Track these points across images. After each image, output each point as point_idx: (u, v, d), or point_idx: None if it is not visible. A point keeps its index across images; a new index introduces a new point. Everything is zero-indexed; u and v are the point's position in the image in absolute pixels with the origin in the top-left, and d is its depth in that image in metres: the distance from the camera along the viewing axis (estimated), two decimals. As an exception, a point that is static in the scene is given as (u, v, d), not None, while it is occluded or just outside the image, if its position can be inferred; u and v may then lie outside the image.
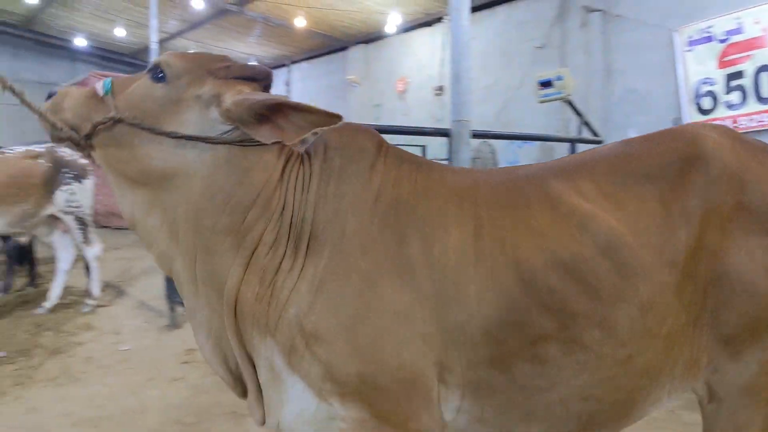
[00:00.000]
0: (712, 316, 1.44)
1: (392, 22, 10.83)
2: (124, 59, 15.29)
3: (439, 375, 1.40)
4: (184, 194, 1.44)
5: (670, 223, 1.42)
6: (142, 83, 1.50)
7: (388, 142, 1.58)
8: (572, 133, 7.01)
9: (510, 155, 9.32)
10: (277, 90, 13.60)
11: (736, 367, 1.46)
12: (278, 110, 1.34)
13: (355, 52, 12.40)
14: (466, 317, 1.36)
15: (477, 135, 4.06)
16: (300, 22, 11.07)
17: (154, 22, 9.81)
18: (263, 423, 1.51)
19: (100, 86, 1.51)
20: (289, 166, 1.48)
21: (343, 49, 12.73)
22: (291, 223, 1.45)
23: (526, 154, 9.07)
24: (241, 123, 1.38)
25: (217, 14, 11.53)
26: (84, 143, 1.50)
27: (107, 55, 15.03)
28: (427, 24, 10.90)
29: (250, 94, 1.37)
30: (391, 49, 11.69)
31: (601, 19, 8.19)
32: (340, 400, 1.38)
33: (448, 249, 1.39)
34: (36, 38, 13.87)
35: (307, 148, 1.53)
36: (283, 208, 1.45)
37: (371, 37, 11.95)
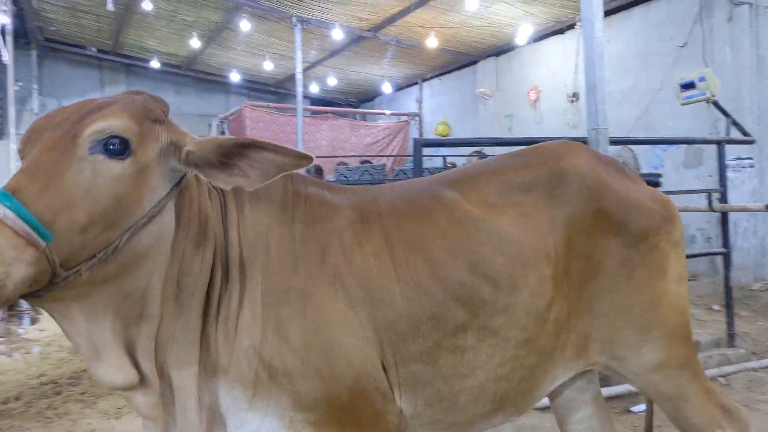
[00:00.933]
0: (590, 307, 1.70)
1: (523, 34, 10.83)
2: (269, 89, 16.66)
3: None
4: (159, 259, 1.28)
5: (541, 227, 1.66)
6: (87, 176, 1.16)
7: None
8: (721, 134, 6.63)
9: (653, 159, 8.93)
10: (410, 107, 13.97)
11: (635, 351, 1.72)
12: (245, 152, 1.28)
13: (486, 65, 12.54)
14: (395, 316, 1.47)
15: (615, 142, 4.06)
16: (431, 42, 11.43)
17: (298, 54, 10.71)
18: None
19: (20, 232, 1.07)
20: (204, 195, 1.42)
21: (473, 63, 12.92)
22: (215, 250, 1.39)
23: (671, 158, 8.65)
24: (203, 165, 1.29)
25: (353, 41, 12.25)
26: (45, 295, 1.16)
27: (256, 87, 16.47)
28: (559, 32, 10.78)
29: (209, 138, 1.29)
30: (521, 59, 11.69)
31: (750, 12, 7.66)
32: (313, 430, 1.38)
33: (368, 256, 1.50)
34: (196, 76, 15.57)
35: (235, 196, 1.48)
36: (221, 243, 1.41)
37: (502, 49, 12.03)
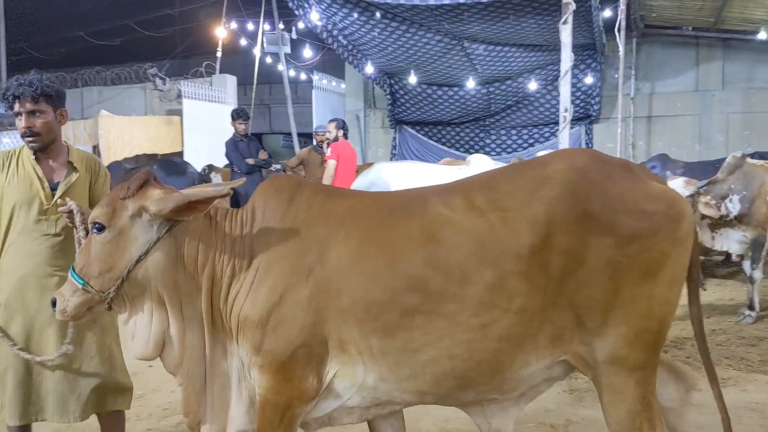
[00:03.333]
0: (569, 301, 1.91)
1: None
2: None
3: (341, 347, 1.98)
4: (162, 278, 2.08)
5: (518, 228, 1.90)
6: (90, 246, 2.09)
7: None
8: None
9: None
10: None
11: (600, 341, 1.92)
12: (190, 205, 1.99)
13: None
14: (353, 301, 1.95)
15: None
16: None
17: None
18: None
19: (73, 282, 2.09)
20: (221, 218, 2.15)
21: None
22: (234, 253, 2.08)
23: None
24: (167, 215, 2.00)
25: None
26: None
27: None
28: None
29: (166, 197, 2.02)
30: None
31: None
32: (258, 371, 2.01)
33: (340, 256, 1.99)
34: None
35: (252, 201, 2.18)
36: (226, 245, 2.09)
37: None
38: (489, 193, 2.00)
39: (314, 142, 8.13)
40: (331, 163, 7.08)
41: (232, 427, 2.11)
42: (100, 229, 2.04)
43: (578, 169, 1.95)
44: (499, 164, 6.25)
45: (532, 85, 12.21)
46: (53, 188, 2.61)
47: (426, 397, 2.05)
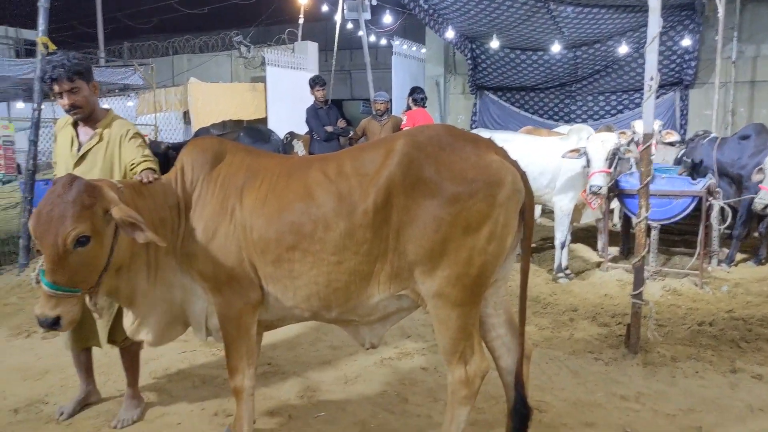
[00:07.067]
0: (405, 248, 2.42)
1: None
2: None
3: (257, 272, 2.63)
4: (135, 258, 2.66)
5: (368, 189, 2.44)
6: (81, 258, 2.35)
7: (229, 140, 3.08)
8: None
9: None
10: None
11: (429, 280, 2.42)
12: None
13: None
14: (258, 237, 2.57)
15: None
16: None
17: None
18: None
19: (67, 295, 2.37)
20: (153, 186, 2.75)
21: None
22: (179, 207, 2.72)
23: None
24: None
25: None
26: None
27: None
28: None
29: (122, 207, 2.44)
30: None
31: None
32: (212, 292, 2.68)
33: (254, 200, 2.61)
34: None
35: (176, 162, 2.83)
36: (164, 203, 2.70)
37: None
38: (355, 162, 2.54)
39: (372, 111, 8.15)
40: (406, 132, 7.10)
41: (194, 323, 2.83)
42: (84, 242, 2.32)
43: (417, 143, 2.46)
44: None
45: (623, 49, 11.53)
46: (80, 149, 3.14)
47: (305, 313, 2.68)
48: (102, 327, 3.18)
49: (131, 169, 3.01)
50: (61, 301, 2.33)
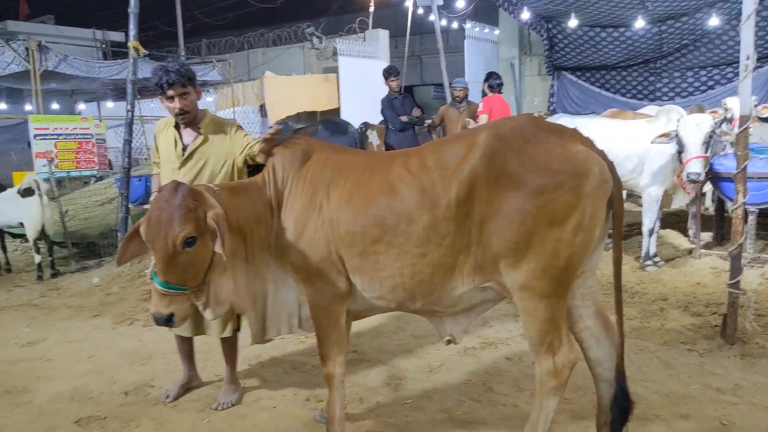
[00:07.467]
0: (489, 241, 2.44)
1: None
2: None
3: (344, 264, 2.70)
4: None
5: (450, 183, 2.47)
6: (189, 257, 2.50)
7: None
8: None
9: None
10: None
11: (515, 273, 2.42)
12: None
13: None
14: (345, 230, 2.64)
15: None
16: None
17: None
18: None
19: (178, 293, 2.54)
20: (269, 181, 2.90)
21: None
22: (272, 205, 2.84)
23: None
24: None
25: None
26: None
27: None
28: None
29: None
30: None
31: None
32: (303, 284, 2.81)
33: (339, 196, 2.69)
34: None
35: (271, 161, 2.93)
36: (261, 200, 2.84)
37: None
38: (436, 156, 2.58)
39: (445, 96, 8.10)
40: (482, 118, 7.08)
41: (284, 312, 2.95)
42: (191, 242, 2.46)
43: (500, 135, 2.46)
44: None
45: (713, 21, 10.84)
46: (185, 150, 3.34)
47: (391, 304, 2.73)
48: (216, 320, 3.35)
49: (248, 152, 3.27)
50: (173, 299, 2.49)
